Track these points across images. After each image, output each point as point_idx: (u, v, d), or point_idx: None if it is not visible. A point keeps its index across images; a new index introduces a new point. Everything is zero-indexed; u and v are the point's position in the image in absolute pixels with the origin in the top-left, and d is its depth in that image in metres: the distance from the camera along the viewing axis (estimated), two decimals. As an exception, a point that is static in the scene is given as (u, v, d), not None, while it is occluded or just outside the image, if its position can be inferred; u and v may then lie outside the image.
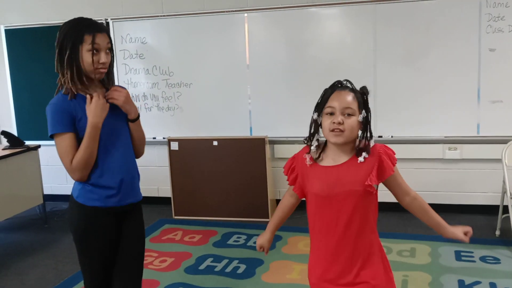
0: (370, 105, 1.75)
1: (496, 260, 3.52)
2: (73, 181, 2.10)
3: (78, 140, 2.02)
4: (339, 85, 1.74)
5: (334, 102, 1.69)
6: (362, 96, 1.73)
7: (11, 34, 5.44)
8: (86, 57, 1.98)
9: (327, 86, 1.76)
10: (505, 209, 3.80)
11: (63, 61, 1.99)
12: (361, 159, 1.70)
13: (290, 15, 4.67)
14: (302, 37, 4.68)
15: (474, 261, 3.52)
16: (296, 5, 4.65)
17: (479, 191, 4.55)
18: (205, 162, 4.79)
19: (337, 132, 1.67)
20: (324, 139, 1.76)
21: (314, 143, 1.77)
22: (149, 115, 5.15)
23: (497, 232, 4.03)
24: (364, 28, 4.53)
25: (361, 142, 1.72)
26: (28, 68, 5.44)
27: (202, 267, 3.62)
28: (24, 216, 4.98)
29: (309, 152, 1.78)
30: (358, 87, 1.77)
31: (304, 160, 1.78)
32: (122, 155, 2.10)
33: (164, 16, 5.00)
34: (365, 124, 1.71)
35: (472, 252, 3.68)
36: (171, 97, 5.11)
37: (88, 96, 2.01)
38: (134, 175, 2.17)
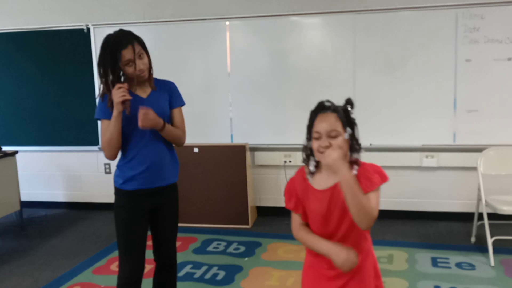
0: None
1: (471, 267, 3.59)
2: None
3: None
4: (322, 108, 1.77)
5: (319, 127, 1.73)
6: (344, 112, 1.77)
7: (-12, 38, 5.38)
8: (126, 70, 2.41)
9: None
10: (480, 216, 3.89)
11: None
12: (354, 171, 1.74)
13: (272, 24, 4.72)
14: (283, 45, 4.72)
15: (450, 267, 3.59)
16: (278, 14, 4.69)
17: (455, 198, 4.63)
18: (186, 169, 4.75)
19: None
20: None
21: (312, 164, 1.82)
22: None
23: (473, 239, 4.10)
24: (344, 38, 4.59)
25: (351, 157, 1.78)
26: (4, 73, 5.37)
27: (181, 273, 3.61)
28: (1, 223, 4.90)
29: (308, 173, 1.85)
30: (342, 100, 1.80)
31: (306, 181, 1.83)
32: (151, 146, 2.38)
33: (145, 22, 4.99)
34: (352, 139, 1.77)
35: (448, 259, 3.74)
36: (152, 104, 5.08)
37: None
38: (163, 163, 2.43)
